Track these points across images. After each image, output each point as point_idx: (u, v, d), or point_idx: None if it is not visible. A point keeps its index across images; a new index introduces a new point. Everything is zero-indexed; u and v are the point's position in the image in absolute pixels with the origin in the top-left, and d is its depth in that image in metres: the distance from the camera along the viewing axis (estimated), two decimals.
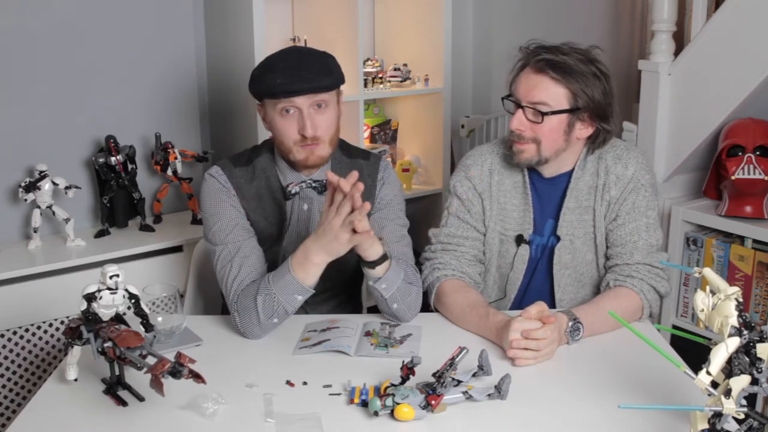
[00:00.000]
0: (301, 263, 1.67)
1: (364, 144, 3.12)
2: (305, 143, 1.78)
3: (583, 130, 1.84)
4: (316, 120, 1.77)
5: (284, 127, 1.79)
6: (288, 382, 1.53)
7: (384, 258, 1.70)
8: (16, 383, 2.43)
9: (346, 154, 1.96)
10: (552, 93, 1.78)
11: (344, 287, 2.03)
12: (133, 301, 1.46)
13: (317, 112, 1.77)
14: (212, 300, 2.19)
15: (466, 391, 1.42)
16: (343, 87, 1.87)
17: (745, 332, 1.14)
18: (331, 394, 1.48)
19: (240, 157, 1.93)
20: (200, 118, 2.99)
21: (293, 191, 1.85)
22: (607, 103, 1.82)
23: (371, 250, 1.68)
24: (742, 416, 1.13)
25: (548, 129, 1.79)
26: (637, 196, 1.86)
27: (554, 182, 1.91)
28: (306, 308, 1.95)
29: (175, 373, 1.29)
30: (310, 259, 1.66)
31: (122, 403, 1.45)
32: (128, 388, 1.48)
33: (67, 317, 2.41)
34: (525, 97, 1.80)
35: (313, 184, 1.86)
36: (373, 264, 1.70)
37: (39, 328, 2.43)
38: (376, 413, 1.38)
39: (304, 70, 1.75)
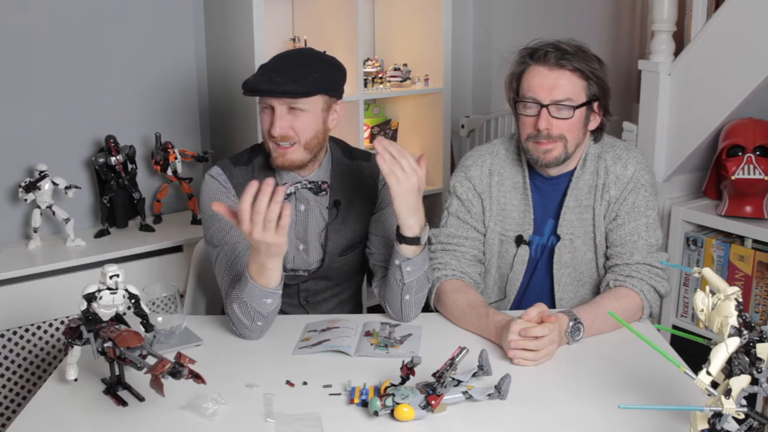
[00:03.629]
0: (258, 272, 1.65)
1: (364, 144, 3.12)
2: (276, 142, 1.80)
3: (593, 122, 1.87)
4: (286, 120, 1.78)
5: (262, 122, 1.83)
6: (288, 382, 1.53)
7: (416, 241, 1.70)
8: (16, 383, 2.43)
9: (347, 156, 1.96)
10: (574, 86, 1.80)
11: (344, 287, 2.03)
12: (133, 301, 1.46)
13: (290, 113, 1.78)
14: (212, 300, 2.19)
15: (466, 391, 1.42)
16: (343, 97, 1.88)
17: (745, 332, 1.14)
18: (331, 394, 1.48)
19: (240, 156, 1.93)
20: (200, 118, 2.99)
21: (288, 192, 1.85)
22: (608, 89, 1.86)
23: (408, 221, 1.69)
24: (742, 416, 1.13)
25: (573, 123, 1.81)
26: (637, 196, 1.86)
27: (556, 181, 1.91)
28: (306, 308, 1.96)
29: (175, 373, 1.29)
30: (264, 267, 1.64)
31: (122, 403, 1.45)
32: (128, 388, 1.48)
33: (67, 317, 2.41)
34: (548, 96, 1.79)
35: (308, 185, 1.87)
36: (406, 240, 1.71)
37: (39, 328, 2.43)
38: (376, 413, 1.38)
39: (277, 73, 1.77)
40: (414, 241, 1.71)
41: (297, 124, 1.79)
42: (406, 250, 1.72)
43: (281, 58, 1.84)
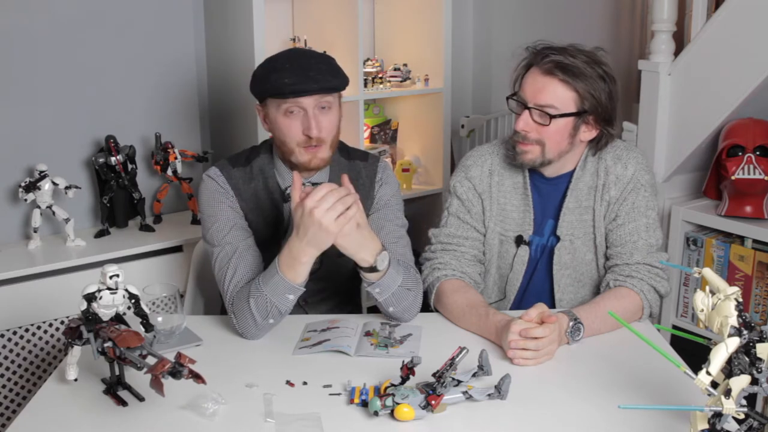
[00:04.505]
0: (289, 264, 1.66)
1: (364, 144, 3.13)
2: (309, 145, 1.78)
3: (587, 133, 1.84)
4: (320, 121, 1.77)
5: (288, 128, 1.78)
6: (288, 382, 1.53)
7: (373, 270, 1.68)
8: (16, 383, 2.43)
9: (344, 155, 1.96)
10: (560, 96, 1.77)
11: (343, 287, 2.03)
12: (133, 301, 1.46)
13: (321, 113, 1.78)
14: (212, 300, 2.19)
15: (466, 391, 1.42)
16: (343, 97, 1.88)
17: (745, 332, 1.14)
18: (331, 394, 1.48)
19: (238, 157, 1.93)
20: (200, 118, 2.99)
21: (289, 193, 1.85)
22: (612, 107, 1.82)
23: (359, 256, 1.67)
24: (742, 416, 1.13)
25: (554, 131, 1.79)
26: (637, 196, 1.86)
27: (555, 182, 1.91)
28: (305, 308, 1.96)
29: (175, 373, 1.29)
30: (298, 260, 1.65)
31: (122, 403, 1.45)
32: (128, 388, 1.48)
33: (67, 317, 2.41)
34: (532, 99, 1.79)
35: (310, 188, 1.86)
36: (364, 270, 1.70)
37: (39, 328, 2.43)
38: (376, 413, 1.38)
39: (313, 71, 1.75)
40: (371, 269, 1.69)
41: (327, 123, 1.78)
42: (368, 276, 1.71)
43: (298, 57, 1.80)
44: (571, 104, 1.78)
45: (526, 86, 1.81)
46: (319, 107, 1.77)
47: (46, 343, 2.45)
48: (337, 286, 2.00)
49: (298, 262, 1.65)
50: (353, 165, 1.95)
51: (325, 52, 2.97)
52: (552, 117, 1.77)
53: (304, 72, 1.75)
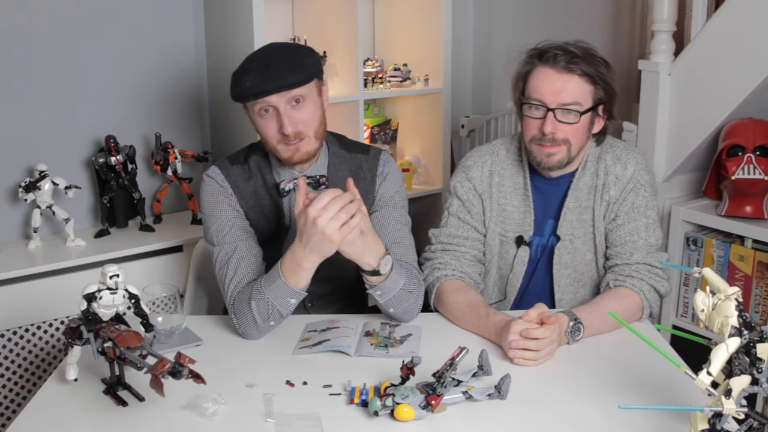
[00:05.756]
0: (292, 270, 1.65)
1: None
2: (288, 141, 1.77)
3: (597, 125, 1.86)
4: (294, 116, 1.75)
5: (265, 128, 1.78)
6: (288, 382, 1.53)
7: (376, 273, 1.68)
8: (16, 383, 2.43)
9: (344, 148, 1.94)
10: (581, 91, 1.78)
11: (348, 290, 2.00)
12: (133, 301, 1.46)
13: (295, 108, 1.75)
14: (213, 300, 2.19)
15: (466, 391, 1.42)
16: (325, 78, 1.85)
17: (745, 332, 1.14)
18: (331, 394, 1.48)
19: (237, 155, 1.93)
20: (200, 118, 2.99)
21: (287, 189, 1.84)
22: (615, 94, 1.85)
23: (362, 261, 1.67)
24: (742, 416, 1.13)
25: (577, 128, 1.80)
26: (637, 196, 1.86)
27: (557, 182, 1.91)
28: (310, 311, 1.95)
29: (175, 373, 1.29)
30: (301, 266, 1.64)
31: (122, 403, 1.45)
32: (128, 388, 1.48)
33: (67, 317, 2.41)
34: (554, 99, 1.78)
35: (307, 180, 1.85)
36: (366, 273, 1.70)
37: (39, 328, 2.43)
38: (376, 413, 1.38)
39: (272, 69, 1.72)
40: (374, 273, 1.68)
41: (303, 116, 1.76)
42: (370, 279, 1.70)
43: (260, 59, 1.77)
44: (589, 97, 1.80)
45: (542, 87, 1.79)
46: (291, 103, 1.74)
47: (46, 343, 2.45)
48: (341, 289, 1.98)
49: (300, 268, 1.65)
50: (353, 158, 1.93)
51: (325, 52, 2.98)
52: (581, 114, 1.78)
53: (264, 72, 1.72)
